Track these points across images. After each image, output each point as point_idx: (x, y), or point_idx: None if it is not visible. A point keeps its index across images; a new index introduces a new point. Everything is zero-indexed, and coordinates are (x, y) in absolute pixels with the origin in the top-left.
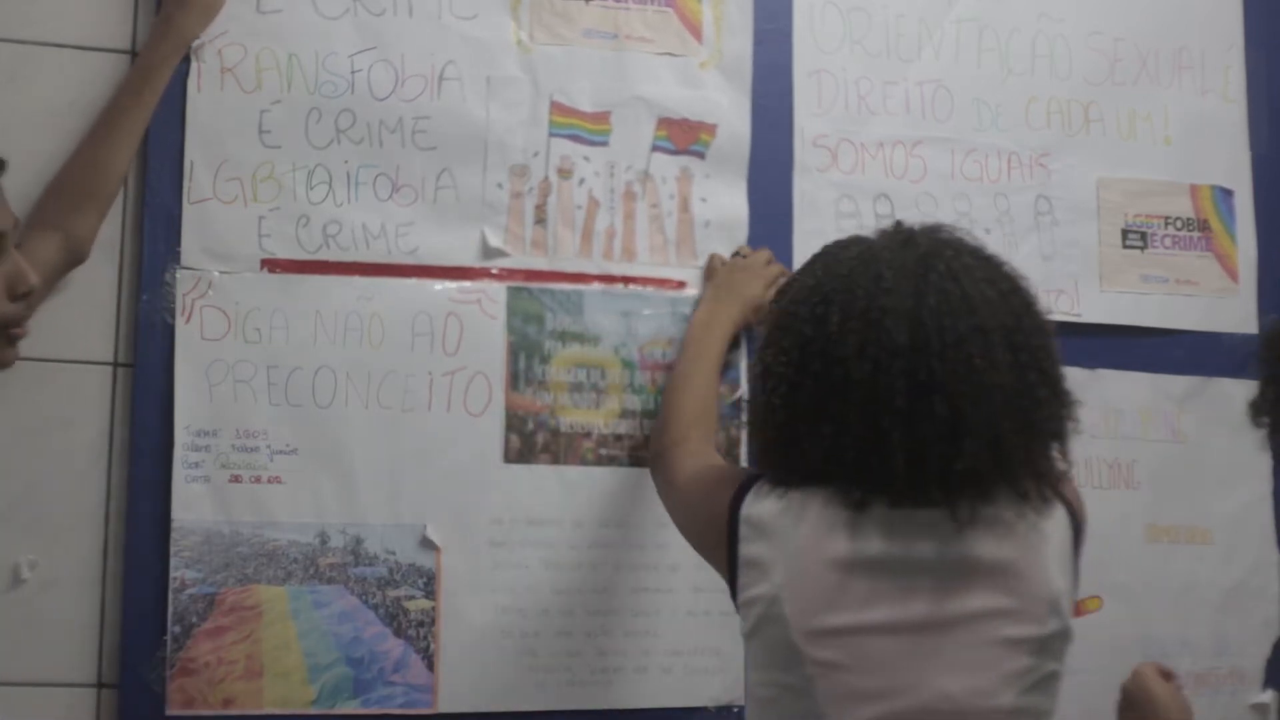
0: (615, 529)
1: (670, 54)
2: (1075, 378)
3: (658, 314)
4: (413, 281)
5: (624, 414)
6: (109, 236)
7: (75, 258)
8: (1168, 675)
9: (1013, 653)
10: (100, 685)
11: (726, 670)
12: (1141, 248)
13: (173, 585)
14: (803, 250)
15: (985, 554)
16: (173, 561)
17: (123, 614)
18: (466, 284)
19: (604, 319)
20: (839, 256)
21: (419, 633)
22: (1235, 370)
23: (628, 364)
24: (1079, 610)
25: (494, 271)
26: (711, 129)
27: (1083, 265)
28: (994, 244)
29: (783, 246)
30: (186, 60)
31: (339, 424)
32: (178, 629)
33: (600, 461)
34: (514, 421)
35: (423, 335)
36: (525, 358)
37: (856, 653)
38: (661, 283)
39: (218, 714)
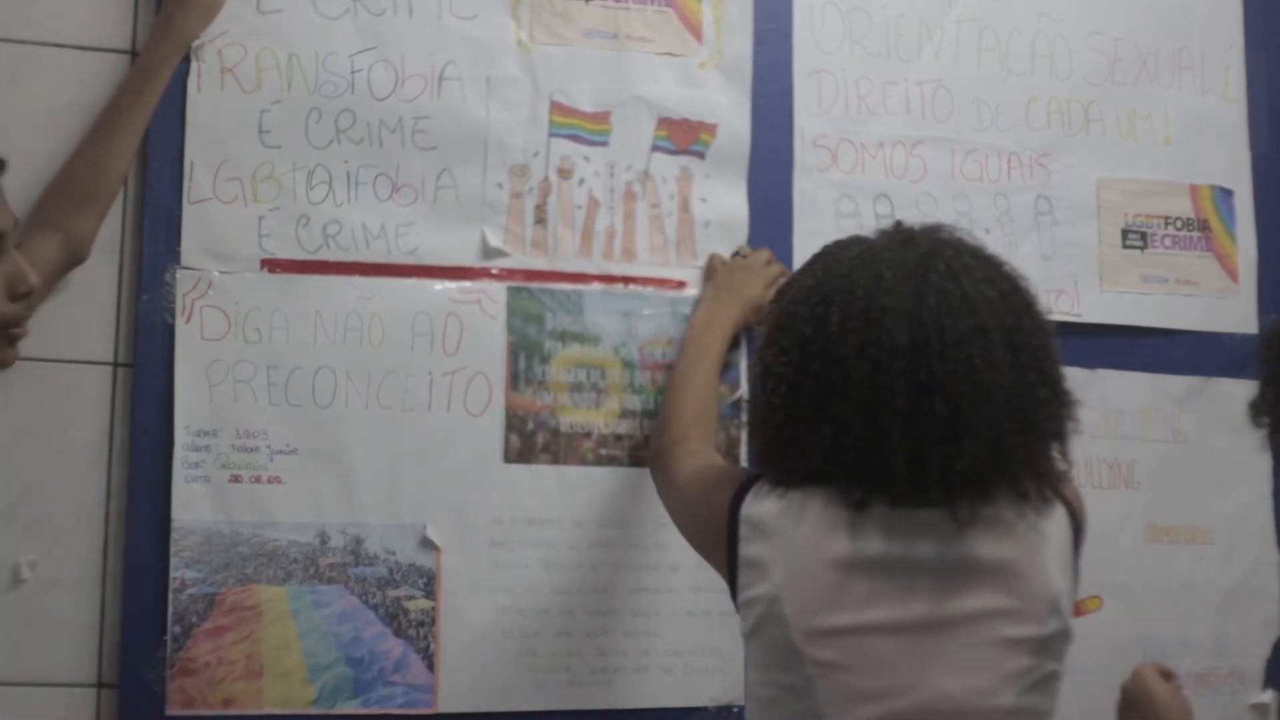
0: (615, 529)
1: (670, 54)
2: (1075, 378)
3: (658, 314)
4: (413, 281)
5: (624, 414)
6: (109, 236)
7: (75, 258)
8: (1168, 675)
9: (1013, 653)
10: (100, 685)
11: (726, 670)
12: (1141, 248)
13: (173, 585)
14: (803, 250)
15: (985, 554)
16: (173, 561)
17: (123, 614)
18: (466, 284)
19: (604, 319)
20: (839, 256)
21: (419, 633)
22: (1235, 370)
23: (628, 364)
24: (1079, 610)
25: (494, 271)
26: (711, 129)
27: (1083, 265)
28: (994, 244)
29: (783, 246)
30: (186, 60)
31: (339, 424)
32: (178, 629)
33: (600, 461)
34: (514, 421)
35: (423, 335)
36: (525, 358)
37: (856, 653)
38: (661, 283)
39: (218, 714)
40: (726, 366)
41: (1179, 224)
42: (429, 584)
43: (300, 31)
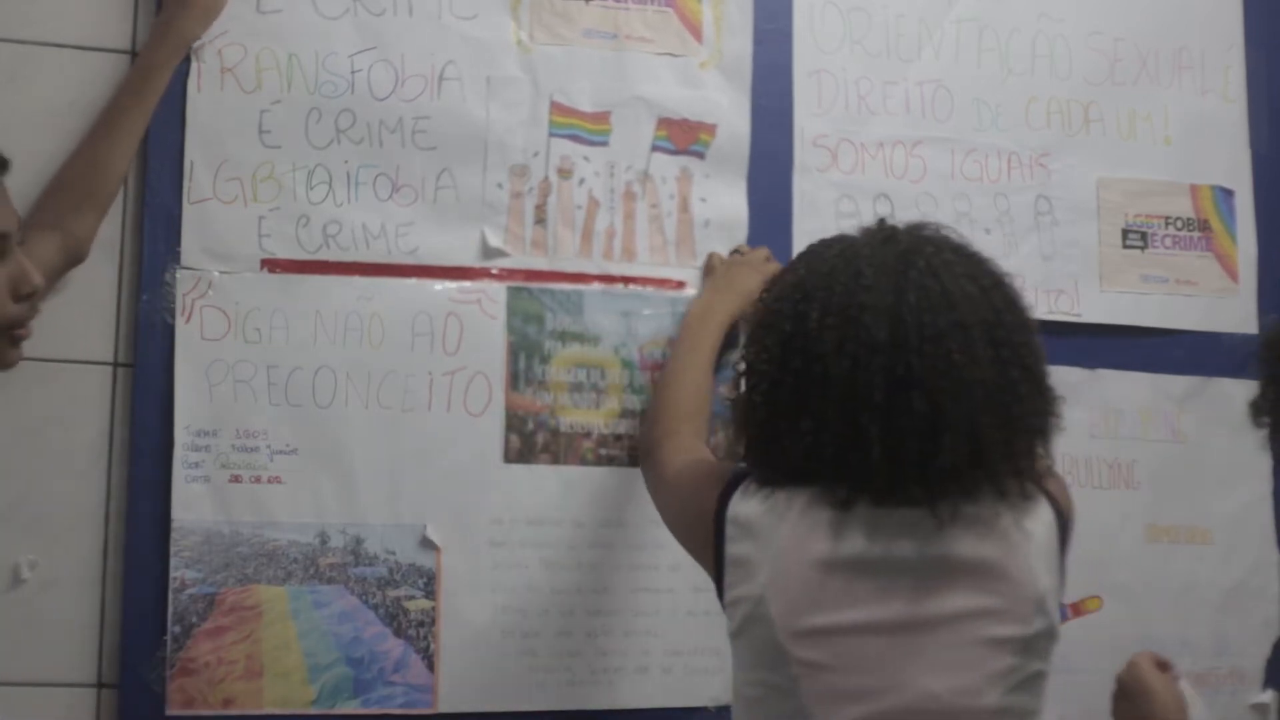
0: (615, 529)
1: (670, 54)
2: (1075, 378)
3: (658, 314)
4: (413, 281)
5: (624, 414)
6: (109, 236)
7: (74, 258)
8: (1163, 666)
9: (997, 652)
10: (100, 685)
11: (726, 670)
12: (1141, 248)
13: (173, 585)
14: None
15: (968, 553)
16: (173, 561)
17: (123, 614)
18: (466, 284)
19: (604, 319)
20: (821, 254)
21: (419, 633)
22: (1235, 370)
23: (628, 364)
24: (1079, 610)
25: (494, 271)
26: (711, 129)
27: (1083, 265)
28: (994, 244)
29: (782, 246)
30: (186, 60)
31: (339, 424)
32: (178, 629)
33: (600, 461)
34: (514, 421)
35: (423, 335)
36: (525, 358)
37: (841, 653)
38: (661, 283)
39: (218, 714)
40: (723, 366)
41: (1179, 224)
42: (429, 584)
43: (300, 31)
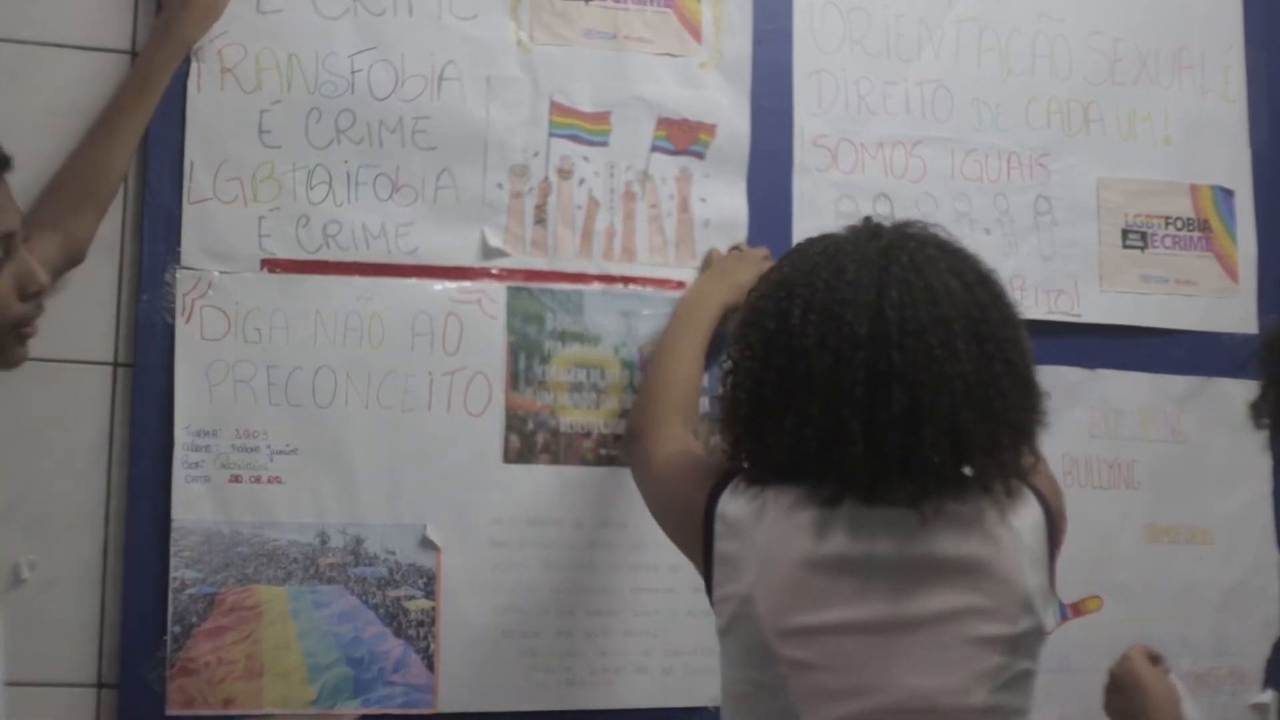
0: (615, 529)
1: (670, 54)
2: (1075, 378)
3: (657, 314)
4: (413, 281)
5: (624, 414)
6: (109, 236)
7: (73, 258)
8: (1155, 659)
9: (984, 651)
10: (100, 685)
11: None
12: (1141, 248)
13: (173, 585)
14: None
15: (951, 551)
16: (173, 561)
17: (123, 614)
18: (466, 284)
19: (604, 319)
20: (805, 251)
21: (419, 633)
22: (1235, 370)
23: (627, 364)
24: (1079, 610)
25: (494, 271)
26: (711, 129)
27: (1083, 265)
28: (994, 244)
29: (782, 246)
30: (186, 60)
31: (339, 424)
32: (178, 629)
33: (600, 461)
34: (514, 421)
35: (423, 335)
36: (525, 358)
37: (828, 652)
38: (661, 283)
39: (218, 714)
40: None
41: (1179, 224)
42: (429, 584)
43: (300, 31)
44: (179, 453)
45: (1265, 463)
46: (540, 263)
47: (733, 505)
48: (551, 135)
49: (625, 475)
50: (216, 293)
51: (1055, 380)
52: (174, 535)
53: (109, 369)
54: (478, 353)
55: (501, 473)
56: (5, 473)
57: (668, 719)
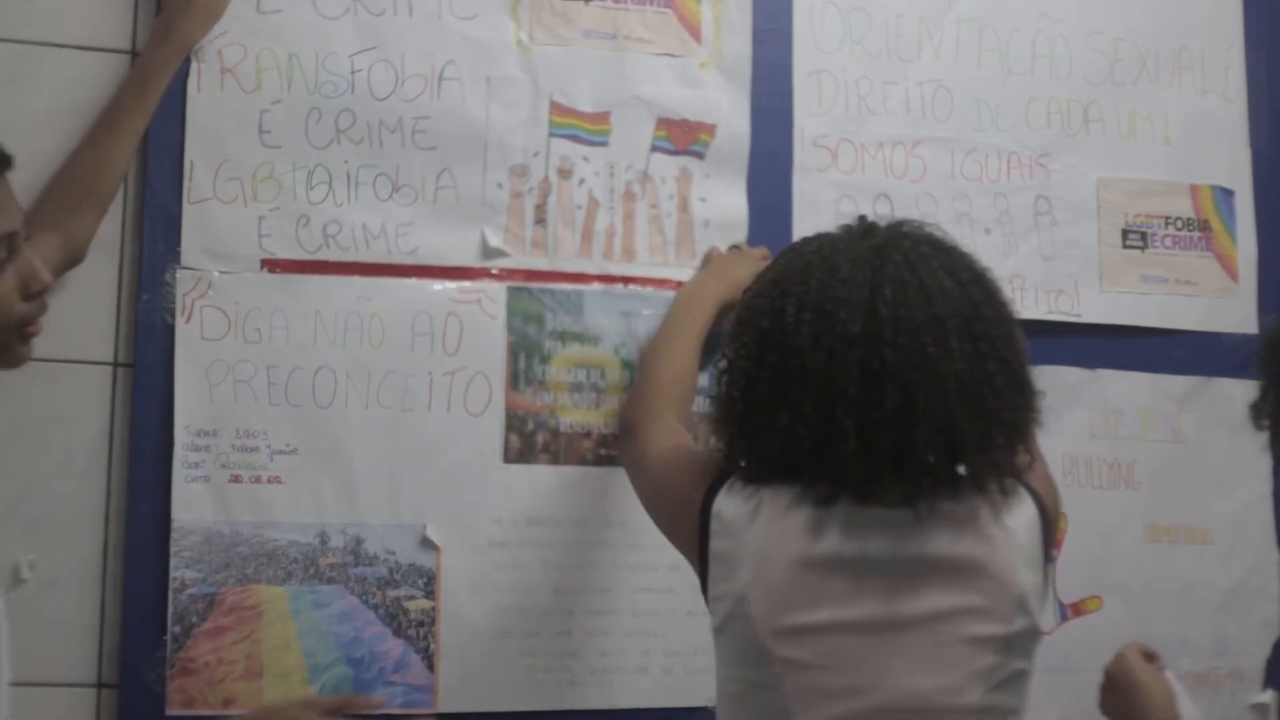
0: (615, 529)
1: (670, 54)
2: (1075, 378)
3: (657, 314)
4: (413, 281)
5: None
6: (109, 236)
7: (73, 258)
8: (1150, 657)
9: (978, 651)
10: (100, 685)
11: None
12: (1141, 248)
13: (173, 585)
14: None
15: (945, 551)
16: (173, 561)
17: (123, 614)
18: (466, 284)
19: (604, 319)
20: (800, 251)
21: (419, 633)
22: (1235, 370)
23: (627, 364)
24: (1079, 610)
25: (494, 271)
26: (711, 129)
27: (1083, 265)
28: (994, 244)
29: (782, 246)
30: (186, 60)
31: (339, 424)
32: (178, 629)
33: (600, 461)
34: (514, 421)
35: (423, 335)
36: (525, 358)
37: (823, 651)
38: (661, 283)
39: (218, 714)
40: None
41: (1179, 224)
42: (429, 584)
43: (300, 31)
44: (179, 453)
45: (1265, 463)
46: (540, 263)
47: (728, 504)
48: (551, 135)
49: (625, 475)
50: (216, 293)
51: (1055, 380)
52: (174, 535)
53: (109, 369)
54: (478, 353)
55: (501, 473)
56: (5, 473)
57: (668, 719)
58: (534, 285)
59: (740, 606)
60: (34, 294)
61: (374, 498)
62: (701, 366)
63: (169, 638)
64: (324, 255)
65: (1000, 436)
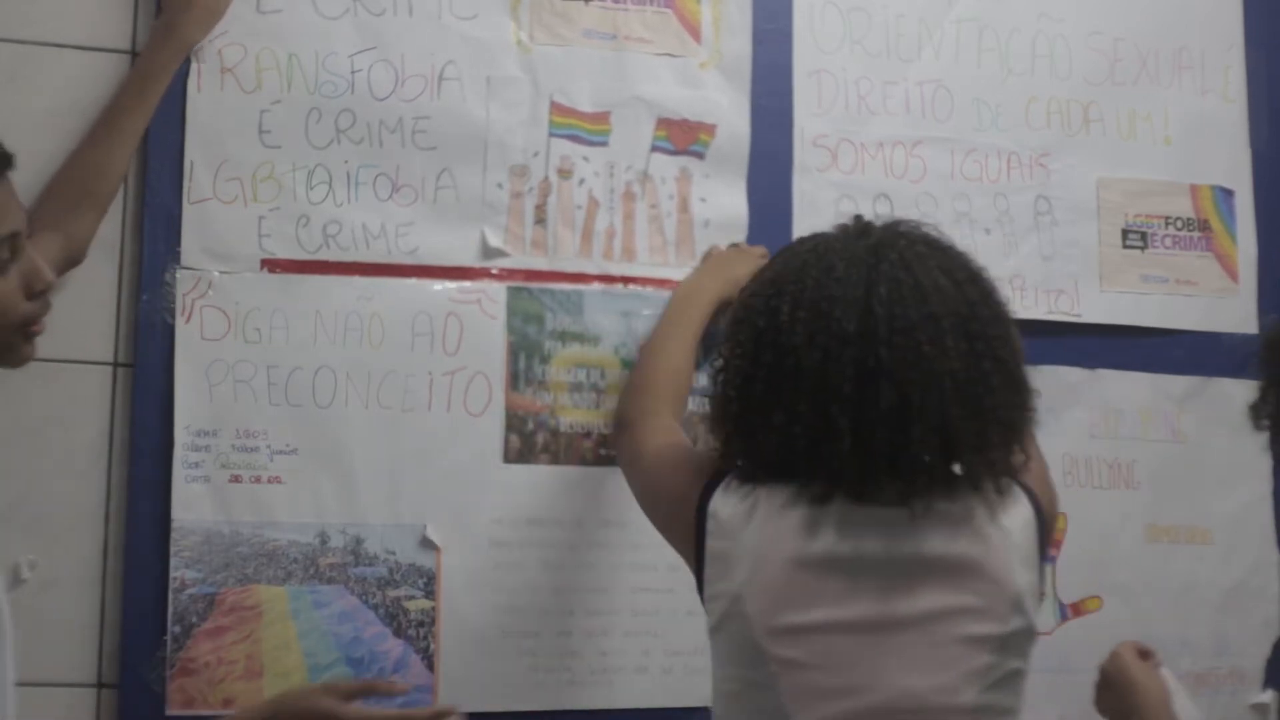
0: (615, 529)
1: (670, 54)
2: (1075, 378)
3: (657, 314)
4: (413, 281)
5: None
6: (109, 236)
7: (73, 258)
8: (1145, 654)
9: (973, 650)
10: (100, 685)
11: None
12: (1141, 248)
13: (173, 585)
14: None
15: (940, 550)
16: (173, 561)
17: (123, 614)
18: (466, 284)
19: (604, 319)
20: (795, 250)
21: (419, 633)
22: (1235, 370)
23: (627, 364)
24: (1079, 610)
25: (494, 271)
26: (711, 129)
27: (1083, 265)
28: (994, 244)
29: (781, 247)
30: (186, 60)
31: (339, 424)
32: (178, 629)
33: (600, 461)
34: (514, 421)
35: (423, 335)
36: (525, 358)
37: (818, 651)
38: (661, 283)
39: (218, 714)
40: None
41: (1179, 224)
42: (429, 584)
43: (300, 31)
44: (179, 453)
45: (1265, 463)
46: (540, 263)
47: (725, 504)
48: (551, 135)
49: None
50: (216, 293)
51: (1055, 380)
52: (174, 535)
53: (109, 369)
54: (478, 353)
55: (501, 473)
56: (5, 473)
57: (667, 719)
58: (534, 285)
59: (736, 606)
60: (37, 293)
61: (374, 498)
62: (698, 364)
63: (169, 638)
64: (324, 255)
65: (996, 435)
